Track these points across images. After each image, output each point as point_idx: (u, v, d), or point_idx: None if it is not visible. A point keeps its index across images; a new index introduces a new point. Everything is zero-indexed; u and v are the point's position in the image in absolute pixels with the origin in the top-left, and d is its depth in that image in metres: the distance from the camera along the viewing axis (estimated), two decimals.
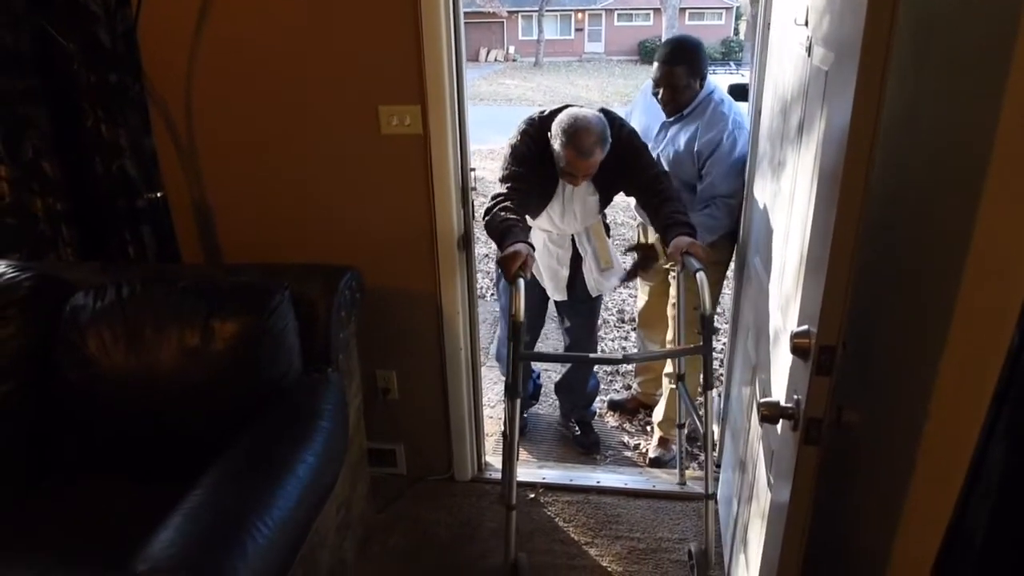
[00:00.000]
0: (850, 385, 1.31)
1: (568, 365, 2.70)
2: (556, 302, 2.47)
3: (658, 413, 2.61)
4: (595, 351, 2.77)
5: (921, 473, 1.18)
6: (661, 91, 2.17)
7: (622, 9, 23.44)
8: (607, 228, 2.39)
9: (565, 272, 2.34)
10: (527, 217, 2.13)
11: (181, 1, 1.89)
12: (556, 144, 1.98)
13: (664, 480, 2.38)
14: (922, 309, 1.17)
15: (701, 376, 1.84)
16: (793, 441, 1.19)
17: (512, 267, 1.78)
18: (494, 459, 2.47)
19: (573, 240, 2.32)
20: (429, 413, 2.27)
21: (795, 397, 1.19)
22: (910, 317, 1.23)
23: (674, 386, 2.48)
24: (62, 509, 1.68)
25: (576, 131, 1.93)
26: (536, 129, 2.07)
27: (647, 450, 2.60)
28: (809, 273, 1.17)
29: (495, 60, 23.89)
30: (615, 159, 2.02)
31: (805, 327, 1.14)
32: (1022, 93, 0.89)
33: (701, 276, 1.76)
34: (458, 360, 2.20)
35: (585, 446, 2.63)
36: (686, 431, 2.43)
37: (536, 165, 2.05)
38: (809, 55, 1.27)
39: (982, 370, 0.97)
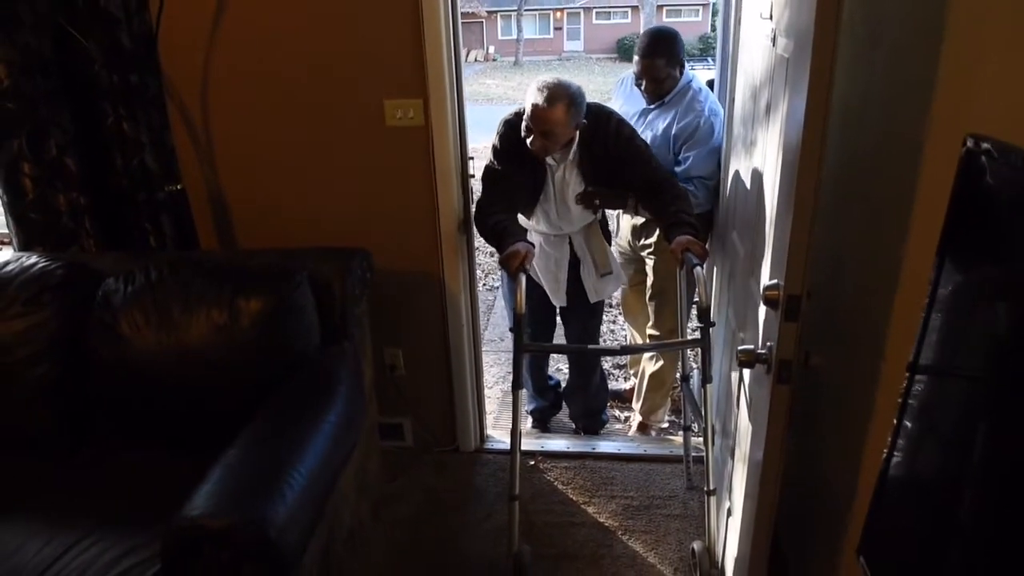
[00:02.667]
0: (817, 334, 1.48)
1: (573, 373, 2.72)
2: (559, 309, 2.49)
3: (636, 400, 2.75)
4: (597, 360, 2.75)
5: (880, 412, 1.36)
6: (644, 83, 2.30)
7: (600, 7, 23.67)
8: (607, 234, 2.41)
9: (563, 276, 2.35)
10: (522, 217, 2.21)
11: (197, 6, 2.03)
12: (526, 105, 2.00)
13: (655, 444, 2.55)
14: (876, 264, 1.34)
15: (679, 364, 1.96)
16: (767, 382, 1.35)
17: (513, 264, 1.90)
18: (494, 432, 2.63)
19: (572, 245, 2.33)
20: (434, 388, 2.43)
21: (768, 344, 1.36)
22: (867, 272, 1.40)
23: (654, 368, 2.64)
24: (99, 478, 1.80)
25: (545, 83, 1.98)
26: (512, 125, 2.10)
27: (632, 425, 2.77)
28: (776, 233, 1.34)
29: (475, 60, 24.04)
30: (610, 155, 2.07)
31: (775, 281, 1.31)
32: (951, 77, 1.07)
33: (699, 271, 1.83)
34: (461, 337, 2.35)
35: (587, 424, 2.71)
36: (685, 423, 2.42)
37: (517, 160, 2.10)
38: (773, 45, 1.44)
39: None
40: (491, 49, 24.15)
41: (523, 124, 2.02)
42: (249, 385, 1.82)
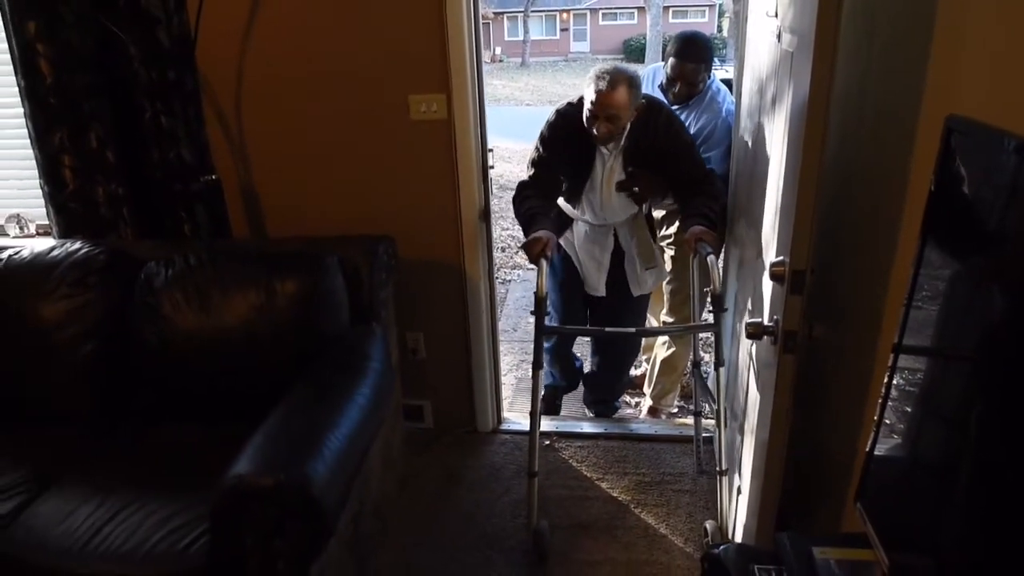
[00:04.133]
0: (820, 307, 1.58)
1: (597, 359, 2.71)
2: (594, 306, 2.49)
3: (647, 384, 2.85)
4: (634, 357, 2.79)
5: (878, 381, 1.46)
6: (678, 86, 2.36)
7: (606, 8, 23.77)
8: (652, 228, 2.43)
9: (607, 264, 2.38)
10: (568, 206, 2.29)
11: (233, 7, 2.14)
12: (585, 94, 2.06)
13: (665, 426, 2.66)
14: (874, 242, 1.45)
15: (691, 351, 2.04)
16: (774, 352, 1.46)
17: (534, 250, 1.99)
18: (510, 414, 2.73)
19: (617, 237, 2.36)
20: (453, 371, 2.53)
21: (775, 317, 1.47)
22: (866, 249, 1.50)
23: (666, 354, 2.75)
24: (141, 450, 1.91)
25: (603, 71, 2.03)
26: (561, 114, 2.18)
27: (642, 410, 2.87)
28: (782, 214, 1.44)
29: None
30: (657, 146, 2.12)
31: (781, 258, 1.41)
32: (940, 62, 1.17)
33: (711, 259, 1.91)
34: (480, 322, 2.46)
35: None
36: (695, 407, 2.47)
37: (565, 148, 2.17)
38: (779, 41, 1.54)
39: None
40: (498, 50, 24.27)
41: (586, 114, 2.07)
42: (283, 363, 1.93)
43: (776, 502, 1.58)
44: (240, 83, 2.24)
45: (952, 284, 0.98)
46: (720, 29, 22.45)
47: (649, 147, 2.13)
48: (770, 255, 1.62)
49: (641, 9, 21.99)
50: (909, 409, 1.10)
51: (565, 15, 24.50)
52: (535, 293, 1.97)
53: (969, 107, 1.03)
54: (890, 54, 1.38)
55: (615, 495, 2.28)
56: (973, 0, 1.08)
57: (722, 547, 1.20)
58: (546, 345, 2.57)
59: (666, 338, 2.73)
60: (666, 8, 19.42)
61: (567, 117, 2.17)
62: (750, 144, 1.93)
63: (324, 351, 1.92)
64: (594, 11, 23.98)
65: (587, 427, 2.62)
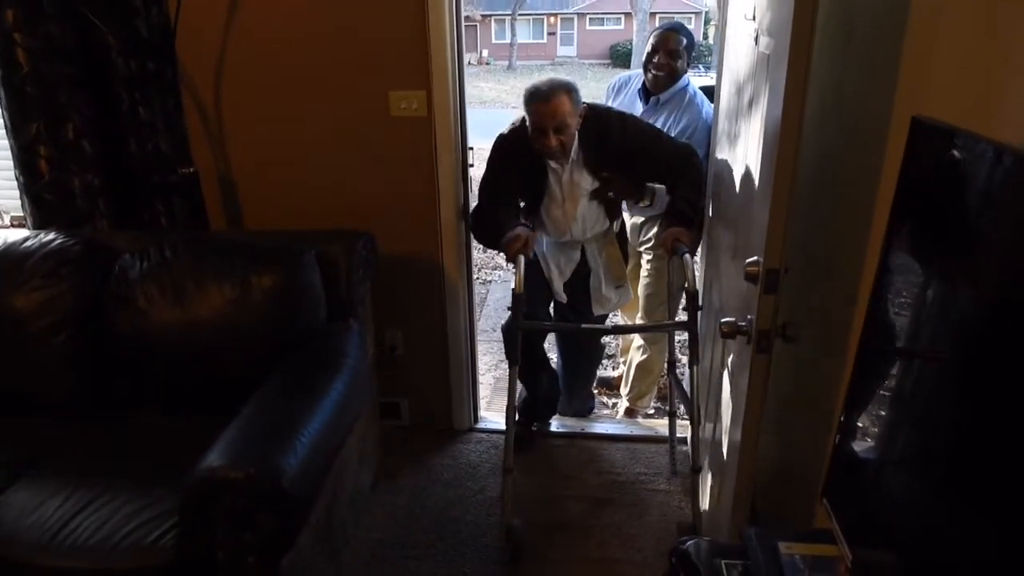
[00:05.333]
0: (793, 308, 1.60)
1: (565, 371, 2.66)
2: (557, 306, 2.42)
3: (624, 386, 2.86)
4: (591, 376, 2.74)
5: (847, 380, 1.48)
6: (658, 56, 2.36)
7: (594, 13, 23.86)
8: (624, 248, 2.36)
9: (569, 272, 2.31)
10: (532, 223, 2.19)
11: (212, 1, 2.13)
12: (527, 113, 2.02)
13: (640, 426, 2.67)
14: (844, 245, 1.47)
15: (666, 354, 2.03)
16: (748, 352, 1.47)
17: (513, 248, 1.98)
18: (487, 413, 2.73)
19: (585, 254, 2.28)
20: (431, 369, 2.53)
21: (748, 317, 1.48)
22: (838, 250, 1.53)
23: (642, 358, 2.77)
24: (115, 441, 1.89)
25: (535, 85, 2.01)
26: (504, 137, 2.15)
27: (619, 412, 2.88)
28: (757, 213, 1.45)
29: (469, 63, 24.07)
30: (624, 148, 2.06)
31: (755, 258, 1.43)
32: (911, 66, 1.19)
33: (687, 258, 1.94)
34: (458, 320, 2.46)
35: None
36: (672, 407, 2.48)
37: (514, 168, 2.14)
38: (756, 44, 1.56)
39: None
40: (484, 52, 24.28)
41: (532, 133, 2.02)
42: (259, 356, 1.91)
43: (748, 499, 1.59)
44: (220, 75, 2.22)
45: (917, 283, 1.00)
46: (706, 36, 22.64)
47: (615, 150, 2.08)
48: (745, 255, 1.63)
49: (628, 15, 22.11)
50: (876, 407, 1.11)
51: (552, 19, 24.57)
52: (512, 290, 1.97)
53: (938, 108, 1.05)
54: (864, 57, 1.40)
55: (589, 493, 2.29)
56: (946, 2, 1.10)
57: (690, 542, 1.21)
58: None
59: (641, 342, 2.74)
60: (652, 14, 19.54)
61: (511, 139, 2.13)
62: (727, 146, 1.95)
63: (300, 346, 1.91)
64: (581, 15, 24.07)
65: (563, 427, 2.63)
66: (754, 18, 1.58)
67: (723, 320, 1.51)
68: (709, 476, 2.07)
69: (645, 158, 2.10)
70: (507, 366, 2.13)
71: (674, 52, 2.36)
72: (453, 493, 2.29)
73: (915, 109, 1.15)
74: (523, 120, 2.10)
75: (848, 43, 1.47)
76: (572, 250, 2.30)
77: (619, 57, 21.62)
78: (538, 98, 1.98)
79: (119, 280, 1.98)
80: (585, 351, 2.64)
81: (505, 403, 2.08)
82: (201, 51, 2.19)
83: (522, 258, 1.98)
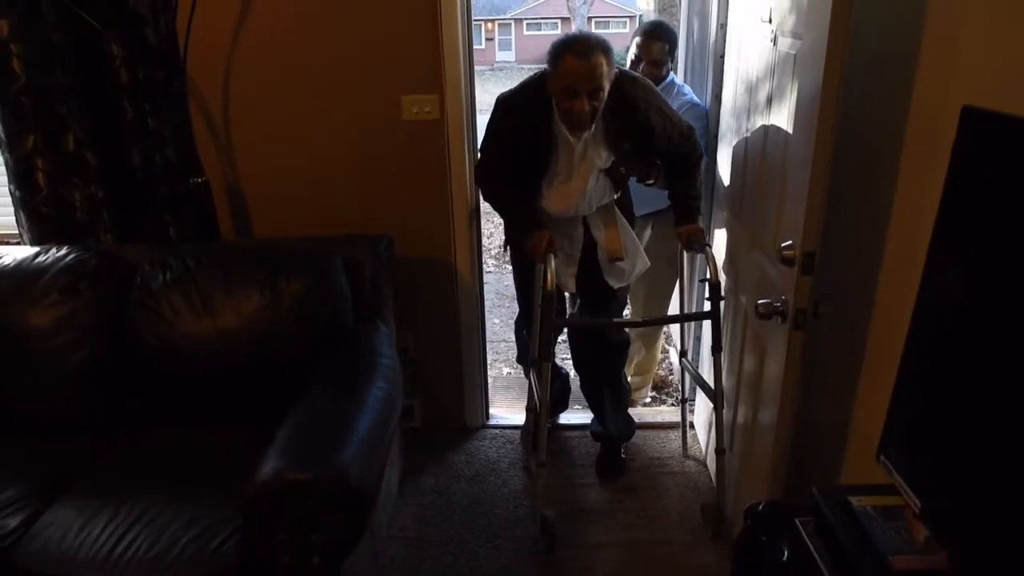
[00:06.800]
0: (821, 286, 1.71)
1: (587, 383, 2.44)
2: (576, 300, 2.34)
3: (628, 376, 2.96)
4: (616, 383, 2.40)
5: (870, 354, 1.60)
6: (642, 66, 2.35)
7: (531, 18, 24.13)
8: (630, 213, 2.21)
9: (576, 257, 2.16)
10: (532, 193, 2.05)
11: (221, 7, 2.12)
12: (551, 68, 1.82)
13: (648, 414, 2.78)
14: (870, 225, 1.59)
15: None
16: (784, 331, 1.58)
17: (540, 248, 1.93)
18: (496, 409, 2.78)
19: (587, 226, 2.13)
20: (443, 369, 2.56)
21: (783, 298, 1.59)
22: (862, 232, 1.65)
23: (640, 358, 2.89)
24: (144, 456, 1.85)
25: (570, 37, 1.82)
26: (504, 99, 2.02)
27: None
28: (790, 201, 1.56)
29: None
30: (639, 122, 1.92)
31: (789, 242, 1.53)
32: (932, 52, 1.31)
33: (709, 251, 1.99)
34: (471, 320, 2.50)
35: (605, 470, 2.39)
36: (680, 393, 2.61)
37: (515, 133, 1.98)
38: (775, 45, 1.67)
39: (910, 272, 1.36)
40: None
41: (557, 94, 1.83)
42: (288, 362, 1.92)
43: (786, 468, 1.70)
44: (228, 82, 2.21)
45: (969, 263, 1.11)
46: None
47: (637, 124, 1.92)
48: (766, 242, 1.75)
49: (565, 19, 22.45)
50: (928, 372, 1.22)
51: (490, 24, 24.70)
52: (544, 287, 1.94)
53: (966, 92, 1.17)
54: (885, 45, 1.52)
55: (608, 481, 2.37)
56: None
57: (761, 504, 1.30)
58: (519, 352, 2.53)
59: (639, 343, 2.84)
60: (589, 19, 19.92)
61: (515, 102, 1.98)
62: (735, 142, 2.06)
63: (333, 349, 1.92)
64: (518, 21, 24.31)
65: (573, 419, 2.71)
66: (770, 21, 1.69)
67: (760, 302, 1.61)
68: (731, 454, 2.17)
69: (658, 136, 1.96)
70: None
71: (657, 61, 2.38)
72: (477, 489, 2.34)
73: (936, 96, 1.28)
74: (532, 81, 1.95)
75: (860, 39, 1.59)
76: (575, 227, 2.13)
77: None
78: (574, 52, 1.76)
79: (141, 292, 1.96)
80: (605, 351, 2.35)
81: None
82: (210, 59, 2.17)
83: (552, 256, 1.94)
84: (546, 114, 1.92)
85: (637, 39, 2.42)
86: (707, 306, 2.05)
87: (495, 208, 2.22)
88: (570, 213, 2.10)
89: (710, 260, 1.99)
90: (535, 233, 1.99)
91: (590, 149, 1.97)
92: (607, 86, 1.83)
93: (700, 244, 2.07)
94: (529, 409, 2.55)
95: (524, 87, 2.01)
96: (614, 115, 1.91)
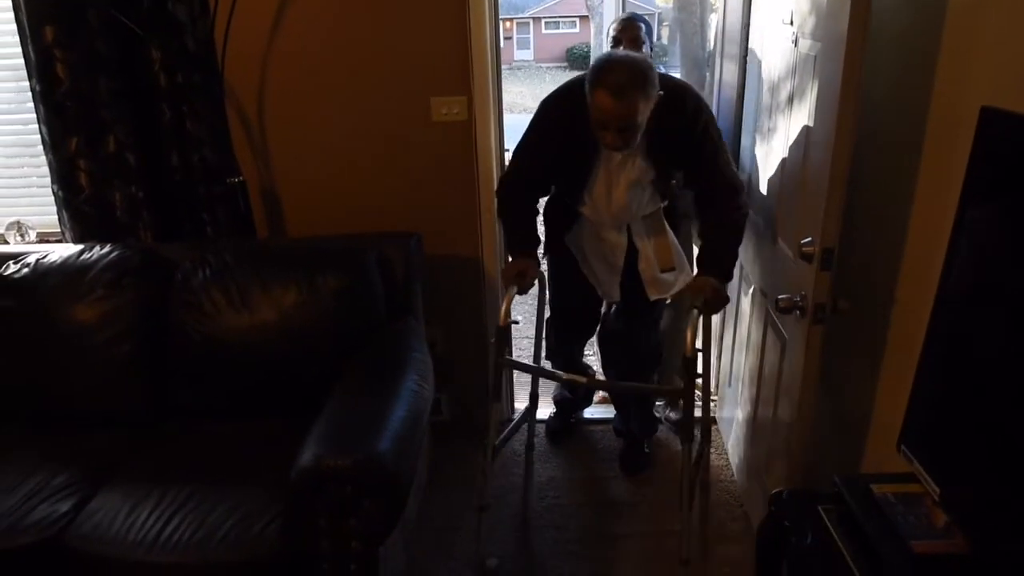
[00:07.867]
0: (840, 282, 1.75)
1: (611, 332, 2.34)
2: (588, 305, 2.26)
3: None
4: (654, 367, 2.36)
5: (890, 349, 1.64)
6: (622, 46, 2.46)
7: (549, 17, 24.14)
8: (675, 222, 2.09)
9: (620, 265, 2.07)
10: (573, 201, 1.99)
11: (256, 12, 2.19)
12: (587, 92, 1.71)
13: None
14: (889, 223, 1.62)
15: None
16: (804, 325, 1.62)
17: (508, 275, 1.90)
18: (521, 404, 2.84)
19: (631, 234, 2.04)
20: (470, 364, 2.62)
21: (802, 293, 1.63)
22: (881, 230, 1.68)
23: None
24: (188, 447, 1.93)
25: (608, 65, 1.67)
26: (550, 101, 1.92)
27: None
28: (810, 198, 1.60)
29: None
30: (684, 141, 1.81)
31: (808, 239, 1.58)
32: (951, 53, 1.35)
33: (695, 314, 1.72)
34: (497, 318, 2.56)
35: (629, 465, 2.44)
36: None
37: (558, 136, 1.88)
38: (796, 46, 1.71)
39: (929, 266, 1.39)
40: None
41: (592, 121, 1.75)
42: (323, 357, 1.99)
43: (808, 458, 1.74)
44: (263, 85, 2.29)
45: (989, 253, 1.15)
46: (659, 37, 23.02)
47: (678, 140, 1.82)
48: (788, 238, 1.78)
49: (584, 18, 22.44)
50: (947, 364, 1.26)
51: (508, 23, 24.74)
52: (499, 324, 1.85)
53: (984, 92, 1.21)
54: (904, 45, 1.56)
55: (597, 476, 2.44)
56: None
57: (784, 491, 1.35)
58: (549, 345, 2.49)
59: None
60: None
61: (561, 104, 1.88)
62: (760, 140, 2.10)
63: (367, 344, 1.99)
64: (537, 19, 24.33)
65: (600, 413, 2.76)
66: (792, 23, 1.73)
67: (780, 296, 1.66)
68: (744, 444, 2.22)
69: (698, 162, 1.86)
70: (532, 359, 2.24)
71: (637, 39, 2.51)
72: (504, 481, 2.40)
73: (955, 96, 1.32)
74: (576, 84, 1.83)
75: (876, 41, 1.62)
76: (618, 234, 2.04)
77: (576, 60, 21.89)
78: (607, 89, 1.65)
79: (183, 288, 2.03)
80: (634, 364, 2.32)
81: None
82: (246, 64, 2.25)
83: (514, 288, 1.85)
84: (587, 119, 1.78)
85: (615, 24, 2.61)
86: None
87: (499, 216, 2.16)
88: (613, 221, 2.03)
89: (692, 325, 1.68)
90: (517, 259, 1.96)
91: (629, 162, 1.89)
92: (643, 122, 1.72)
93: (700, 303, 1.77)
94: (556, 400, 2.63)
95: (568, 90, 1.89)
96: (658, 127, 1.78)
